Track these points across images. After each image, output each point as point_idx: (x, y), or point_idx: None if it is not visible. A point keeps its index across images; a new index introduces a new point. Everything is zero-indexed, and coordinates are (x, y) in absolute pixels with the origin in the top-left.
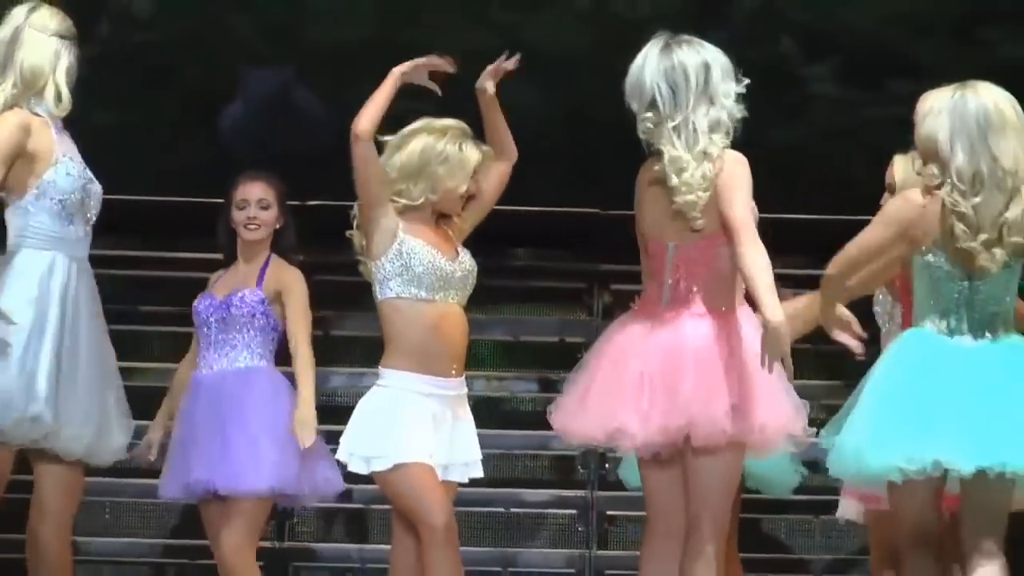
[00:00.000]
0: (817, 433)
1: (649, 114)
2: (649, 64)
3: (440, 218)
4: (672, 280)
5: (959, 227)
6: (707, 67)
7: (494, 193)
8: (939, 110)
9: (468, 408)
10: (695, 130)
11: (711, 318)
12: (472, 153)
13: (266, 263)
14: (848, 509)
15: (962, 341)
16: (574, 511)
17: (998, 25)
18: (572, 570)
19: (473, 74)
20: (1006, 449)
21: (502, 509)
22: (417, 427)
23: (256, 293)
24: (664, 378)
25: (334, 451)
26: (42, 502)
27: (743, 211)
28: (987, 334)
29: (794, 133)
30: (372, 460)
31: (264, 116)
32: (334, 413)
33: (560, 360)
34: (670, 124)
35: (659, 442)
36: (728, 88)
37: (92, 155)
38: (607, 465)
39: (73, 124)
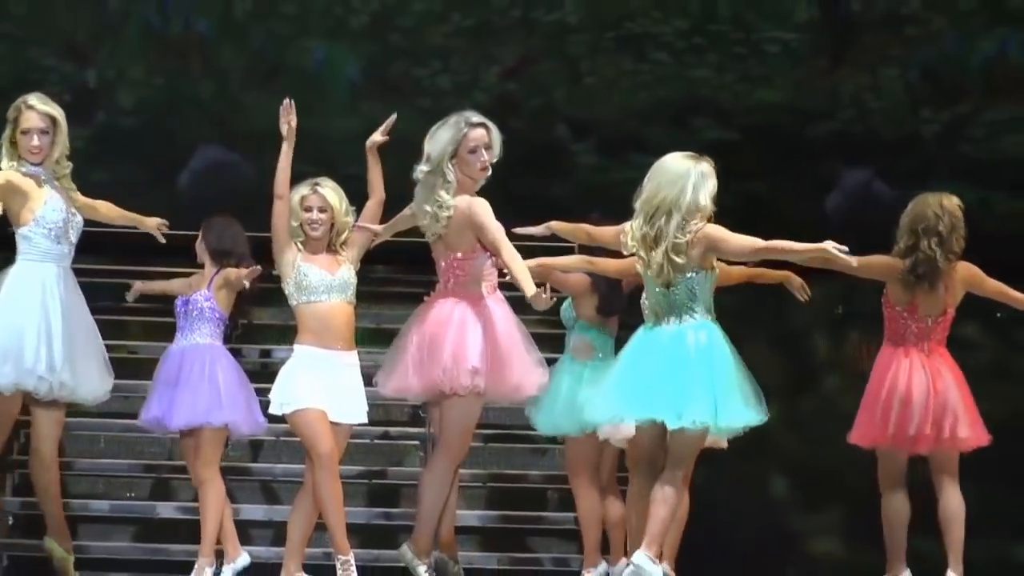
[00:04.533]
0: None
1: (425, 166)
2: (431, 134)
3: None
4: (443, 281)
5: (634, 245)
6: (457, 141)
7: (376, 222)
8: (650, 174)
9: (355, 373)
10: (445, 179)
11: (466, 303)
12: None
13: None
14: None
15: (667, 328)
16: (417, 441)
17: (702, 117)
18: (414, 482)
19: (351, 148)
20: (686, 405)
21: (368, 440)
22: (314, 384)
23: (204, 293)
24: (432, 345)
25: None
26: (42, 433)
27: (495, 233)
28: (682, 321)
29: (566, 189)
30: (283, 405)
31: (211, 176)
32: (254, 376)
33: None
34: (429, 170)
35: (427, 392)
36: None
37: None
38: None
39: (78, 179)
